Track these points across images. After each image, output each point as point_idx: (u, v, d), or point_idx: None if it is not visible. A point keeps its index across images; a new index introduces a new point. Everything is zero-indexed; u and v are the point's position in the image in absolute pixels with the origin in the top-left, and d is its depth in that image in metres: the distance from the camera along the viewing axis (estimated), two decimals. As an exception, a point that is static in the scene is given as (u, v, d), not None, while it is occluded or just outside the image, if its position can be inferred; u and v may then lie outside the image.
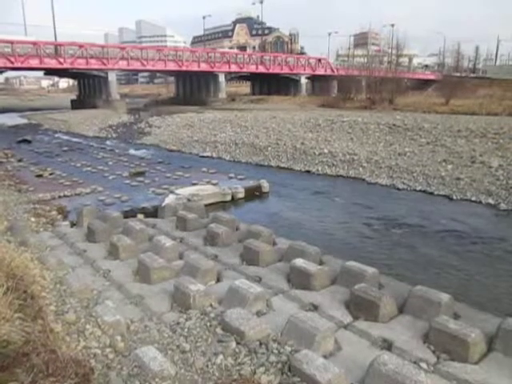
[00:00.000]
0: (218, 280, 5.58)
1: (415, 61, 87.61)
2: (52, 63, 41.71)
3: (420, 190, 12.71)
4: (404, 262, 7.72)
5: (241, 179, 12.97)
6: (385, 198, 12.23)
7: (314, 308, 4.79)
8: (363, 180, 14.16)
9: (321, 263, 6.03)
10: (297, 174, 15.43)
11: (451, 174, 13.31)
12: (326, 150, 17.00)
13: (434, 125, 18.90)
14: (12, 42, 39.29)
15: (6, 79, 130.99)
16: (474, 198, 11.66)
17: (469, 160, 14.30)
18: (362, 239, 8.95)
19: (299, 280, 5.36)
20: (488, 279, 6.97)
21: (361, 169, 14.98)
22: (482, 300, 5.95)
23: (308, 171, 15.61)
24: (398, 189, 13.00)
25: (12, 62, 39.07)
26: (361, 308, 4.62)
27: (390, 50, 52.52)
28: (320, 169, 15.59)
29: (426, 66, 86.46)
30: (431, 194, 12.38)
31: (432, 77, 66.01)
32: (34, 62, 40.63)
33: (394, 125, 19.66)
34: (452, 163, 14.27)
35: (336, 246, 8.38)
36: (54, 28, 49.13)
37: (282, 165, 16.64)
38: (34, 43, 40.73)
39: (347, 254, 7.25)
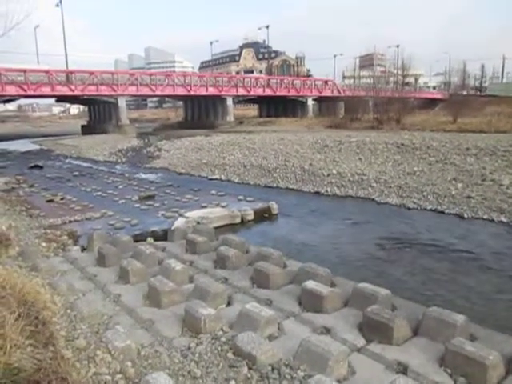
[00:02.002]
0: (229, 303, 5.53)
1: (421, 80, 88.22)
2: (63, 90, 42.66)
3: (431, 209, 12.60)
4: (417, 282, 7.61)
5: (250, 201, 12.97)
6: (395, 217, 12.13)
7: (327, 331, 4.72)
8: (373, 200, 14.09)
9: (332, 285, 5.97)
10: (306, 196, 15.41)
11: (461, 193, 13.20)
12: (334, 171, 17.01)
13: (442, 143, 18.86)
14: (25, 71, 40.33)
15: (19, 106, 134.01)
16: (485, 217, 11.52)
17: (479, 178, 14.20)
18: (373, 260, 8.85)
19: (311, 303, 5.30)
20: (504, 300, 6.83)
21: (370, 189, 14.93)
22: (499, 322, 5.81)
23: (317, 192, 15.59)
24: (409, 208, 12.91)
25: (25, 90, 40.04)
26: (374, 330, 4.54)
27: (395, 71, 52.98)
28: (329, 190, 15.56)
29: (434, 87, 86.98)
30: (442, 212, 12.26)
31: (439, 96, 66.25)
32: (46, 90, 41.59)
33: (402, 144, 19.65)
34: (462, 181, 14.18)
35: (347, 267, 8.30)
36: (66, 56, 50.32)
37: (291, 186, 16.64)
38: (46, 71, 41.74)
39: (359, 275, 7.17)
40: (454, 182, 14.31)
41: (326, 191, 15.50)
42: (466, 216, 11.73)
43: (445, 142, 19.04)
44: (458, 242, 9.72)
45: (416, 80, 75.94)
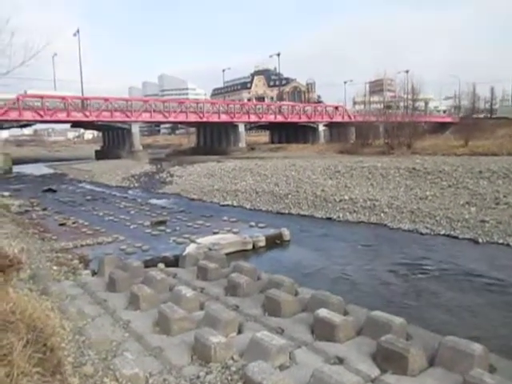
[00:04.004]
0: (240, 331, 5.43)
1: (431, 104, 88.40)
2: (78, 116, 43.70)
3: (444, 234, 12.40)
4: (432, 310, 7.42)
5: (261, 227, 12.91)
6: (408, 243, 11.96)
7: (340, 361, 4.59)
8: (385, 225, 13.93)
9: (345, 313, 5.84)
10: (318, 222, 15.31)
11: (475, 217, 13.00)
12: (346, 197, 16.93)
13: (454, 167, 18.74)
14: (42, 97, 41.52)
15: (35, 131, 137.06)
16: (501, 241, 11.29)
17: (493, 202, 14.01)
18: (386, 287, 8.68)
19: (323, 331, 5.18)
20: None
21: (382, 214, 14.80)
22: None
23: (329, 218, 15.48)
24: (422, 233, 12.72)
25: (41, 116, 41.13)
26: (388, 360, 4.40)
27: (405, 96, 53.28)
28: (341, 215, 15.45)
29: (444, 111, 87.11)
30: (456, 237, 12.05)
31: (449, 119, 66.30)
32: (62, 115, 42.68)
33: (413, 169, 19.57)
34: (475, 205, 13.99)
35: (360, 294, 8.14)
36: (81, 83, 51.59)
37: (303, 212, 16.56)
38: (63, 98, 42.90)
39: (372, 303, 7.02)
40: (467, 206, 14.13)
41: (338, 217, 15.39)
42: (480, 241, 11.52)
43: (457, 166, 18.92)
44: (474, 268, 9.51)
45: (426, 104, 76.20)
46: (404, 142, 33.88)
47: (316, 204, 17.02)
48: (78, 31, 52.03)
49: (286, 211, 17.05)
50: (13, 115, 39.66)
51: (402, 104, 50.53)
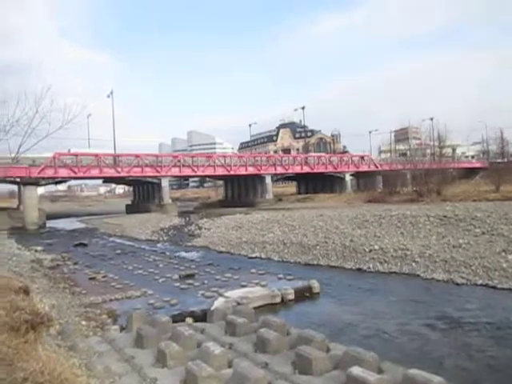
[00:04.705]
0: (269, 391, 5.23)
1: (459, 150, 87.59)
2: (111, 172, 45.29)
3: (481, 284, 11.84)
4: (473, 368, 6.97)
5: (290, 280, 12.68)
6: (443, 294, 11.46)
7: (376, 424, 4.32)
8: (418, 276, 13.45)
9: (380, 371, 5.56)
10: (348, 273, 14.95)
11: (514, 266, 12.42)
12: (376, 247, 16.57)
13: (487, 213, 18.20)
14: (77, 155, 43.45)
15: (69, 186, 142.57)
16: (544, 292, 10.70)
17: (531, 250, 13.41)
18: (423, 342, 8.25)
19: (357, 391, 4.92)
20: None
21: (414, 264, 14.35)
22: None
23: (359, 269, 15.11)
24: (457, 284, 12.20)
25: (75, 173, 42.86)
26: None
27: (431, 143, 53.13)
28: (371, 266, 15.07)
29: (472, 156, 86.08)
30: (494, 287, 11.48)
31: (478, 165, 65.35)
32: (95, 172, 44.36)
33: (444, 216, 19.11)
34: (513, 254, 13.41)
35: (395, 350, 7.76)
36: (114, 141, 53.90)
37: (332, 263, 16.24)
38: (96, 155, 44.75)
39: (408, 359, 6.69)
40: (503, 253, 13.55)
41: (369, 268, 15.01)
42: (521, 291, 10.94)
43: (490, 212, 18.38)
44: (517, 323, 8.98)
45: (453, 150, 75.59)
46: (433, 189, 33.38)
47: (345, 255, 16.70)
48: (111, 93, 55.17)
49: (315, 262, 16.77)
50: (49, 173, 41.49)
51: (428, 151, 50.34)
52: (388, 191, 38.69)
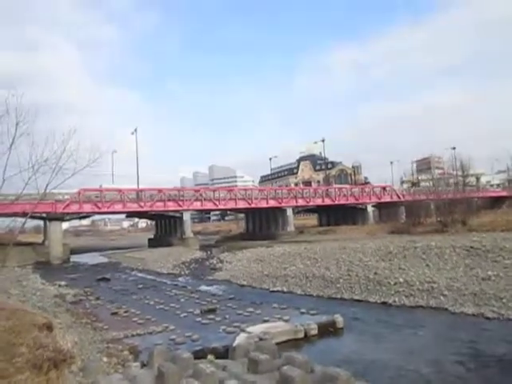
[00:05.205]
0: (294, 432, 5.03)
1: (483, 179, 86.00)
2: (134, 207, 45.96)
3: (514, 319, 11.36)
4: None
5: (313, 314, 12.43)
6: (474, 329, 11.01)
7: None
8: (446, 310, 13.00)
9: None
10: (372, 307, 14.57)
11: (548, 299, 11.90)
12: (401, 279, 16.16)
13: (516, 244, 17.62)
14: (101, 191, 44.35)
15: (92, 221, 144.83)
16: None
17: None
18: (454, 380, 7.88)
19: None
20: None
21: (442, 297, 13.89)
22: None
23: (384, 303, 14.71)
24: (488, 318, 11.72)
25: (99, 208, 43.66)
26: None
27: (454, 172, 52.36)
28: (397, 299, 14.65)
29: (498, 185, 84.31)
30: (529, 322, 11.01)
31: (504, 193, 63.81)
32: (118, 207, 45.07)
33: (471, 247, 18.57)
34: (546, 286, 12.87)
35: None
36: (138, 177, 55.06)
37: (356, 297, 15.87)
38: (119, 190, 45.60)
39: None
40: (536, 286, 13.03)
41: (394, 301, 14.60)
42: (558, 327, 10.44)
43: (519, 242, 17.79)
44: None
45: (478, 179, 74.27)
46: (458, 219, 32.59)
47: (369, 288, 16.32)
48: (135, 130, 56.57)
49: (338, 296, 16.41)
50: (74, 208, 42.37)
51: (451, 181, 49.58)
52: (411, 222, 37.93)
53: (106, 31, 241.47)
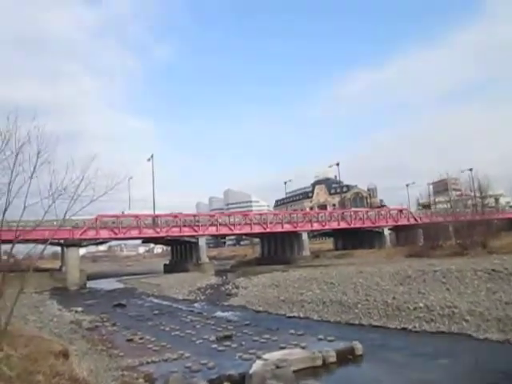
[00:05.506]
0: None
1: (502, 200, 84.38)
2: (150, 232, 46.27)
3: (542, 346, 10.94)
4: None
5: (331, 341, 12.18)
6: (500, 357, 10.60)
7: None
8: (469, 336, 12.58)
9: None
10: (392, 333, 14.20)
11: None
12: (421, 304, 15.77)
13: (541, 266, 17.11)
14: (117, 217, 44.81)
15: (109, 247, 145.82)
16: None
17: None
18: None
19: None
20: None
21: (464, 323, 13.48)
22: None
23: (404, 328, 14.33)
24: (515, 345, 11.31)
25: (116, 234, 44.04)
26: None
27: (472, 193, 51.58)
28: (417, 325, 14.27)
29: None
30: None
31: (525, 214, 62.46)
32: (135, 233, 45.44)
33: (493, 270, 18.08)
34: None
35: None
36: (154, 203, 55.15)
37: (374, 323, 15.51)
38: (136, 216, 46.04)
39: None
40: None
41: (414, 327, 14.22)
42: None
43: (544, 265, 17.28)
44: None
45: (497, 200, 72.90)
46: (478, 242, 31.93)
47: (388, 313, 15.96)
48: (152, 157, 57.28)
49: (356, 322, 16.07)
50: (91, 234, 42.83)
51: (469, 202, 48.81)
52: (429, 245, 37.32)
53: (123, 59, 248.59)
